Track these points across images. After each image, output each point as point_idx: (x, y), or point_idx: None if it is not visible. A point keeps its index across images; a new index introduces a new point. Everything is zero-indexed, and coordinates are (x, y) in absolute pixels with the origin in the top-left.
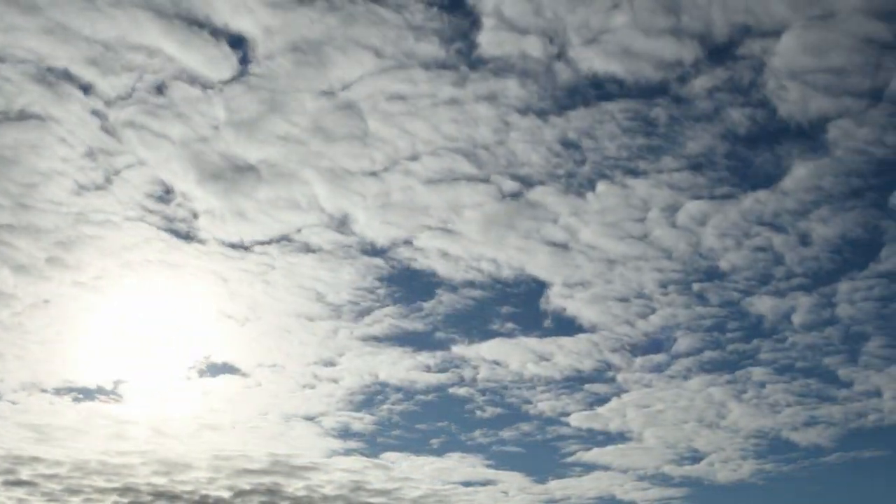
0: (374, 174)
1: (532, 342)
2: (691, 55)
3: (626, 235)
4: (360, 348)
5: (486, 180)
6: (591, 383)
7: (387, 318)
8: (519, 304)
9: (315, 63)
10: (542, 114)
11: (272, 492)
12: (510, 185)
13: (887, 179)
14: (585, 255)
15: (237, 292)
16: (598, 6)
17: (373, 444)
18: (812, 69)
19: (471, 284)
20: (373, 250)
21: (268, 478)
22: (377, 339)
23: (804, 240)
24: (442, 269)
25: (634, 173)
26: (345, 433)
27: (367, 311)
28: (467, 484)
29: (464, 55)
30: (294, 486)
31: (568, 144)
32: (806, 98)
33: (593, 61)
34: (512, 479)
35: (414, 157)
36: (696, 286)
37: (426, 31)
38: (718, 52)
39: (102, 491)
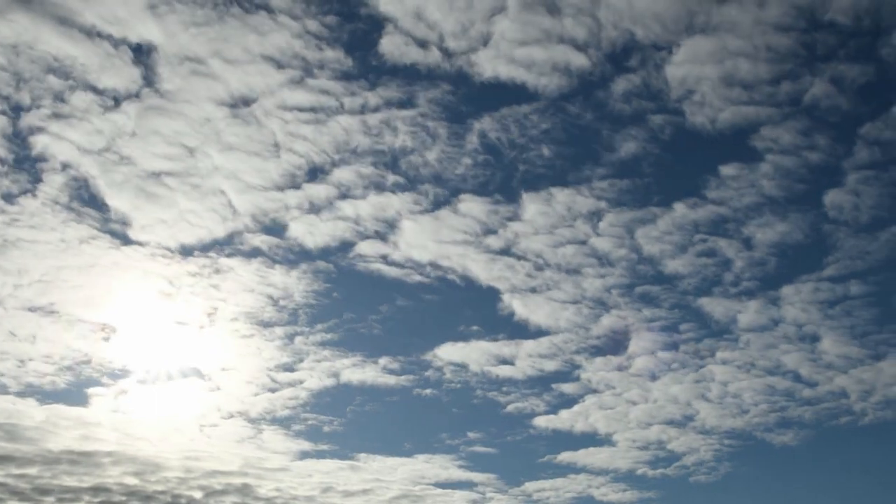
0: (296, 187)
1: (492, 345)
2: (587, 63)
3: (564, 242)
4: (318, 352)
5: (410, 189)
6: (557, 383)
7: (343, 323)
8: (474, 309)
9: (214, 74)
10: (455, 120)
11: (244, 493)
12: (437, 193)
13: (819, 184)
14: (531, 262)
15: (189, 298)
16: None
17: (343, 446)
18: (716, 77)
19: (423, 289)
20: (315, 255)
21: (239, 479)
22: (335, 343)
23: (748, 244)
24: (390, 274)
25: (563, 182)
26: (313, 435)
27: (322, 317)
28: (441, 485)
29: (368, 63)
30: (267, 488)
31: (490, 151)
32: (718, 106)
33: (497, 67)
34: (487, 481)
35: (334, 165)
36: (640, 289)
37: (328, 40)
38: (618, 60)
39: (74, 490)
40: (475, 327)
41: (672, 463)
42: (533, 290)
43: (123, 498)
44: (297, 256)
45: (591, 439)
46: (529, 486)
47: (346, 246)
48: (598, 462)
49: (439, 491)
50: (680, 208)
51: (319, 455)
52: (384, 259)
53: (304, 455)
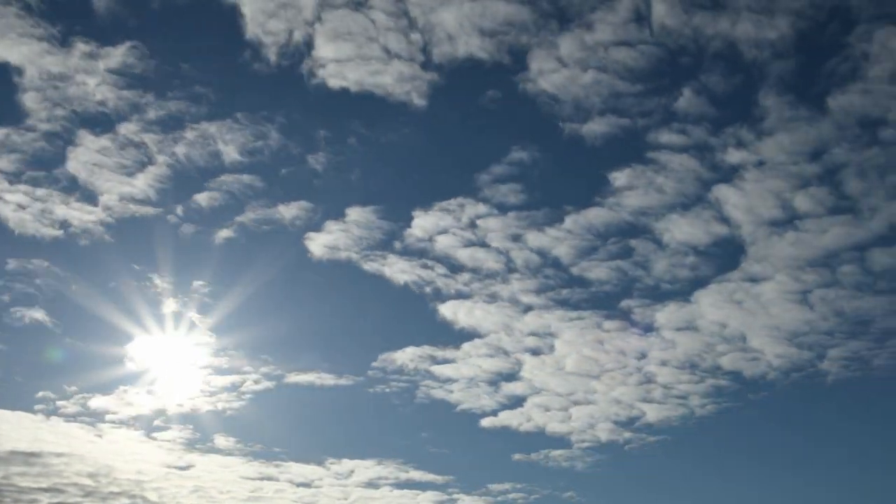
0: None
1: (434, 350)
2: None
3: (484, 250)
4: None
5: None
6: (506, 382)
7: None
8: (411, 315)
9: None
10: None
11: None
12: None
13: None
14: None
15: None
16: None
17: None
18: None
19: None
20: None
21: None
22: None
23: (661, 247)
24: None
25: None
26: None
27: None
28: (401, 486)
29: None
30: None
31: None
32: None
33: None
34: (447, 482)
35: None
36: (562, 292)
37: None
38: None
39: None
40: (414, 334)
41: (625, 461)
42: (461, 297)
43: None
44: None
45: (545, 439)
46: (494, 487)
47: None
48: (554, 463)
49: (406, 492)
50: (583, 213)
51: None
52: None
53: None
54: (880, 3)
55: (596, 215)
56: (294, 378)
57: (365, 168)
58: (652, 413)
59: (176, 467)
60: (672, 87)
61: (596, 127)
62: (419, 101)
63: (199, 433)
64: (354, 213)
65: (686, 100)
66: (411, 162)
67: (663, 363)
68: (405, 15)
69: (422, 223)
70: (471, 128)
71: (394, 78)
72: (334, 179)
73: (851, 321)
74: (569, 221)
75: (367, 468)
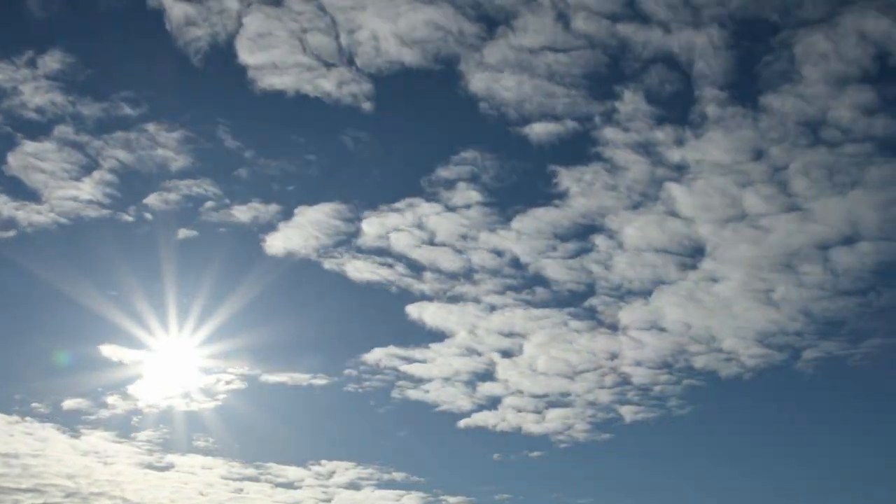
0: None
1: (405, 350)
2: None
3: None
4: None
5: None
6: (482, 382)
7: None
8: (380, 315)
9: None
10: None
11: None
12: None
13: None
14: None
15: None
16: None
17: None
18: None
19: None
20: None
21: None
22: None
23: (621, 246)
24: None
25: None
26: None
27: None
28: (383, 487)
29: None
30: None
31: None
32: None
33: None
34: (431, 482)
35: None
36: (526, 291)
37: None
38: None
39: None
40: (385, 334)
41: (605, 461)
42: (429, 299)
43: None
44: None
45: (523, 440)
46: (479, 488)
47: None
48: (533, 464)
49: (389, 492)
50: (536, 212)
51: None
52: None
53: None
54: (805, 7)
55: (548, 214)
56: (268, 378)
57: (314, 169)
58: (629, 414)
59: (156, 468)
60: (611, 90)
61: (540, 129)
62: (360, 105)
63: (177, 434)
64: (310, 213)
65: (626, 102)
66: (360, 164)
67: (637, 363)
68: (331, 19)
69: (378, 222)
70: (416, 131)
71: (332, 83)
72: (283, 181)
73: (820, 321)
74: (523, 221)
75: (347, 469)
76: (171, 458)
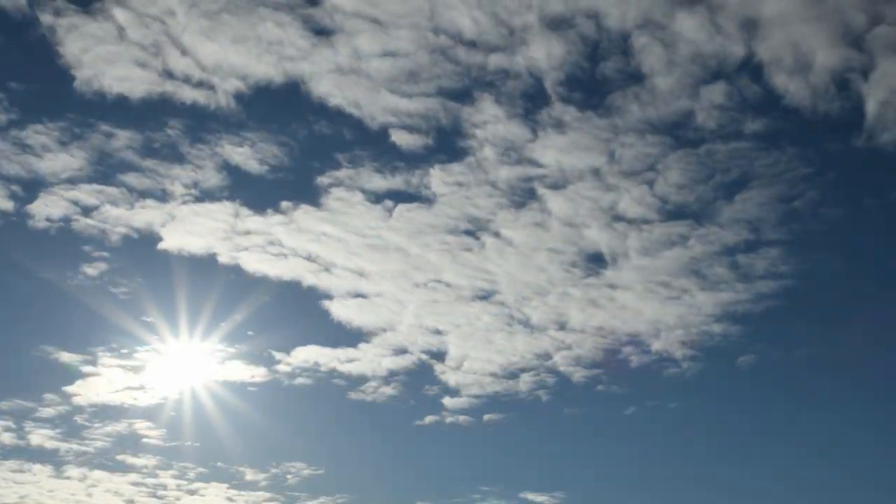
0: None
1: (336, 351)
2: None
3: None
4: None
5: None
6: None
7: None
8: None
9: None
10: None
11: None
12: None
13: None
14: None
15: None
16: None
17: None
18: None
19: None
20: None
21: None
22: None
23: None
24: None
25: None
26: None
27: None
28: None
29: None
30: None
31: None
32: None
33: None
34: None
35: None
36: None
37: None
38: None
39: None
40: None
41: None
42: (350, 296)
43: None
44: None
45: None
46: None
47: None
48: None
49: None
50: (418, 211)
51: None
52: None
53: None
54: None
55: (429, 213)
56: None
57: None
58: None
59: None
60: (469, 98)
61: (404, 135)
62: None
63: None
64: (201, 209)
65: (483, 109)
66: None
67: (575, 362)
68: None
69: (266, 223)
70: (291, 140)
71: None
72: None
73: (726, 319)
74: (404, 220)
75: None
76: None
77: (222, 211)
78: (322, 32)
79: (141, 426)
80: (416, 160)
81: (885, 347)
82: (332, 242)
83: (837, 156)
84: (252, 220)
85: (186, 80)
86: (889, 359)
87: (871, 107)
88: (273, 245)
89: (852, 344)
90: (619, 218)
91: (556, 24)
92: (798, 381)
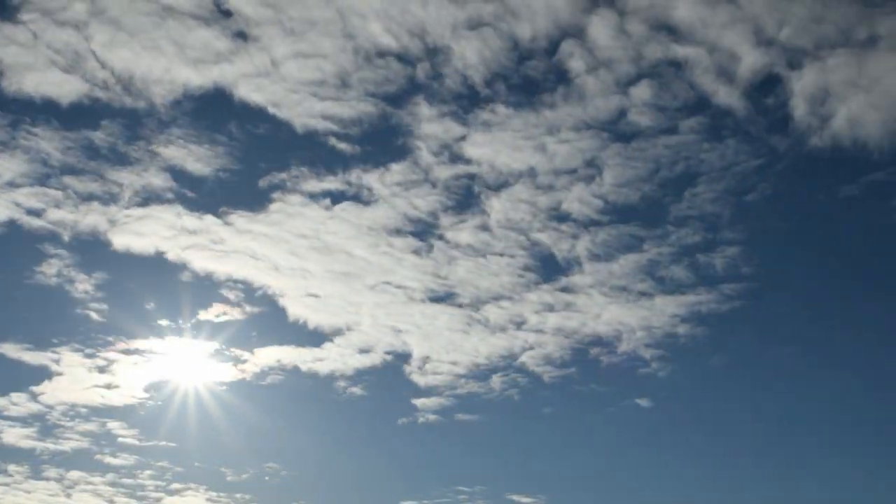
0: None
1: (300, 351)
2: None
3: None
4: None
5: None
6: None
7: None
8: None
9: None
10: None
11: None
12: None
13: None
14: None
15: None
16: None
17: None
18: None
19: None
20: None
21: None
22: None
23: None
24: None
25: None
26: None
27: None
28: None
29: None
30: None
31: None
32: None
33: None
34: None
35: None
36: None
37: None
38: None
39: None
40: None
41: None
42: (312, 297)
43: None
44: None
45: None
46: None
47: None
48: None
49: None
50: (357, 210)
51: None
52: None
53: None
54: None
55: (372, 214)
56: None
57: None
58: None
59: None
60: (401, 100)
61: (341, 137)
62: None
63: (102, 430)
64: (146, 212)
65: (416, 111)
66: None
67: (545, 362)
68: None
69: (217, 222)
70: (226, 143)
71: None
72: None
73: (692, 318)
74: (348, 222)
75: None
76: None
77: (167, 212)
78: (241, 38)
79: (114, 425)
80: (355, 162)
81: (854, 342)
82: (277, 244)
83: (784, 151)
84: (197, 222)
85: (113, 85)
86: (858, 353)
87: (797, 107)
88: (219, 245)
89: (824, 342)
90: (563, 219)
91: (476, 26)
92: (770, 379)
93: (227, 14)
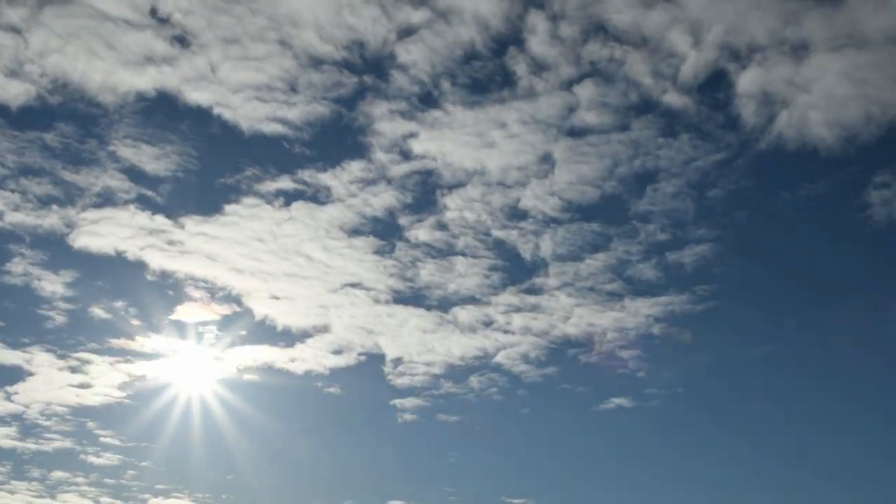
0: None
1: (273, 350)
2: None
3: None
4: None
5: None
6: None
7: None
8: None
9: None
10: None
11: None
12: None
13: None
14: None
15: None
16: None
17: None
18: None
19: None
20: None
21: None
22: None
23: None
24: None
25: None
26: None
27: None
28: None
29: None
30: None
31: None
32: None
33: None
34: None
35: None
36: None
37: None
38: None
39: None
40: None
41: None
42: (276, 298)
43: None
44: None
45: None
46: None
47: None
48: None
49: None
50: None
51: None
52: None
53: None
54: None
55: (331, 214)
56: None
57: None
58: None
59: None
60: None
61: (295, 139)
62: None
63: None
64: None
65: (369, 111)
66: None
67: (512, 349)
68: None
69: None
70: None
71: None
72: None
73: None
74: (309, 223)
75: None
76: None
77: (124, 214)
78: (179, 42)
79: (93, 425)
80: (308, 162)
81: (828, 342)
82: (233, 246)
83: (740, 149)
84: (155, 223)
85: (59, 88)
86: (833, 352)
87: (744, 106)
88: (178, 247)
89: (798, 341)
90: (522, 216)
91: (413, 31)
92: (752, 378)
93: (163, 21)
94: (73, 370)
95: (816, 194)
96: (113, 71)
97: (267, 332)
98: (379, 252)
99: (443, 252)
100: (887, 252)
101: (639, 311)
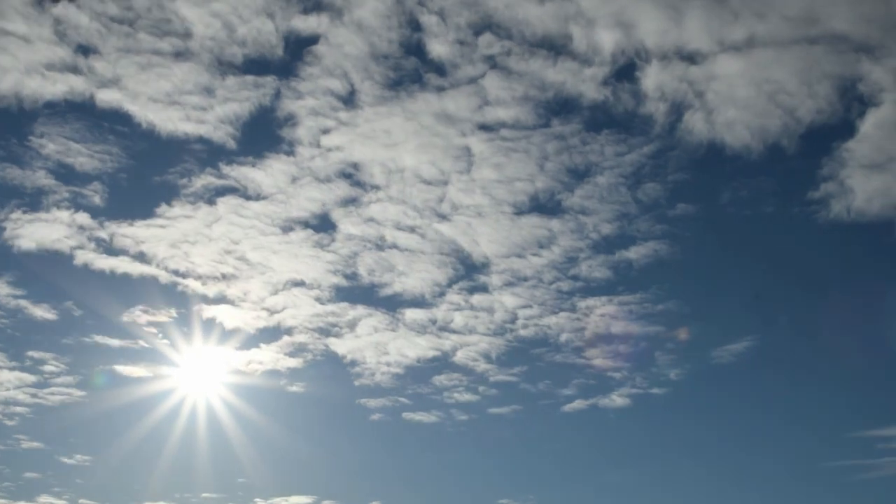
0: None
1: (227, 350)
2: None
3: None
4: None
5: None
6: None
7: None
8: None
9: None
10: None
11: None
12: None
13: None
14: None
15: None
16: None
17: None
18: None
19: None
20: None
21: None
22: None
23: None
24: None
25: None
26: None
27: None
28: None
29: None
30: None
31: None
32: None
33: None
34: None
35: None
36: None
37: None
38: None
39: None
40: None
41: None
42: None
43: None
44: None
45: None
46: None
47: None
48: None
49: None
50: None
51: None
52: None
53: None
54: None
55: (265, 210)
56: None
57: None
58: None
59: None
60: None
61: (220, 138)
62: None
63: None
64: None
65: (289, 108)
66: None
67: (467, 348)
68: None
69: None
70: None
71: None
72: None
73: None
74: (245, 220)
75: None
76: None
77: (60, 215)
78: (83, 52)
79: (59, 427)
80: (235, 160)
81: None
82: (172, 247)
83: (662, 147)
84: (91, 223)
85: None
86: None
87: (656, 109)
88: (121, 248)
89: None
90: (455, 208)
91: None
92: (724, 375)
93: (63, 35)
94: (28, 370)
95: (741, 195)
96: (21, 80)
97: (220, 334)
98: (319, 245)
99: (380, 247)
100: (833, 245)
101: (593, 310)
